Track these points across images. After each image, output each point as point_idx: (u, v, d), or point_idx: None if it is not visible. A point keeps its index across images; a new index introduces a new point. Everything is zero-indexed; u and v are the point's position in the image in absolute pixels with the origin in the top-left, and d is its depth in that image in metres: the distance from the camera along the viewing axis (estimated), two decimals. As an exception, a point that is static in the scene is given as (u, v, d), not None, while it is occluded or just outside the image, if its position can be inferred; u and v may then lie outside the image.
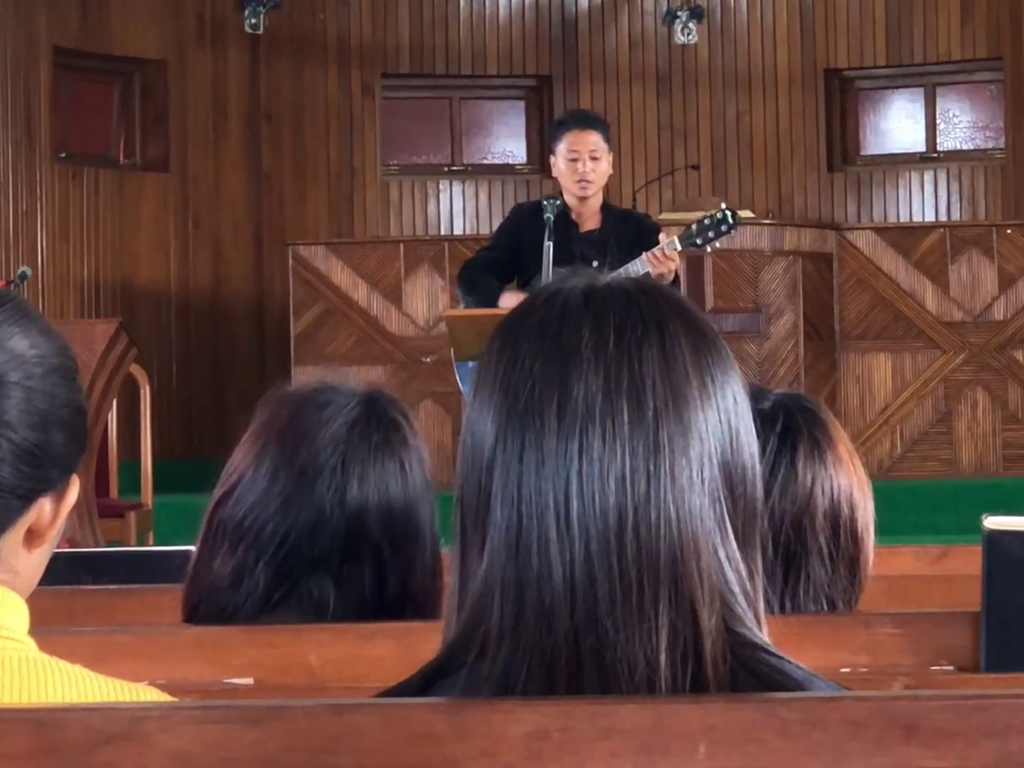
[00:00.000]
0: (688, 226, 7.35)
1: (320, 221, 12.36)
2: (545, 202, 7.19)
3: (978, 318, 10.89)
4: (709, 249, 7.57)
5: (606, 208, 7.44)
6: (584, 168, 7.23)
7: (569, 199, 7.29)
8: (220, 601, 2.28)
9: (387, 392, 2.37)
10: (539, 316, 1.63)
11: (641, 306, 1.62)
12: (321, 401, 2.31)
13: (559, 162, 7.32)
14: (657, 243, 7.15)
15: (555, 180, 7.55)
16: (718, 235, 7.29)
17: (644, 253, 6.99)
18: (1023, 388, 10.85)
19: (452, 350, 7.25)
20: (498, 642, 1.60)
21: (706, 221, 7.32)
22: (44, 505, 1.71)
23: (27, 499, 1.69)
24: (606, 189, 7.82)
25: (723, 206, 7.49)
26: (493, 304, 7.12)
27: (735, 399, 1.63)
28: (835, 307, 10.92)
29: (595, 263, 6.69)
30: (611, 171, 7.45)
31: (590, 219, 7.28)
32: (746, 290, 10.61)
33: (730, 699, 1.54)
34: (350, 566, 2.27)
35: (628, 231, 7.29)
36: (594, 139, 7.31)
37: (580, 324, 1.61)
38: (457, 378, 7.60)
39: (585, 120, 7.59)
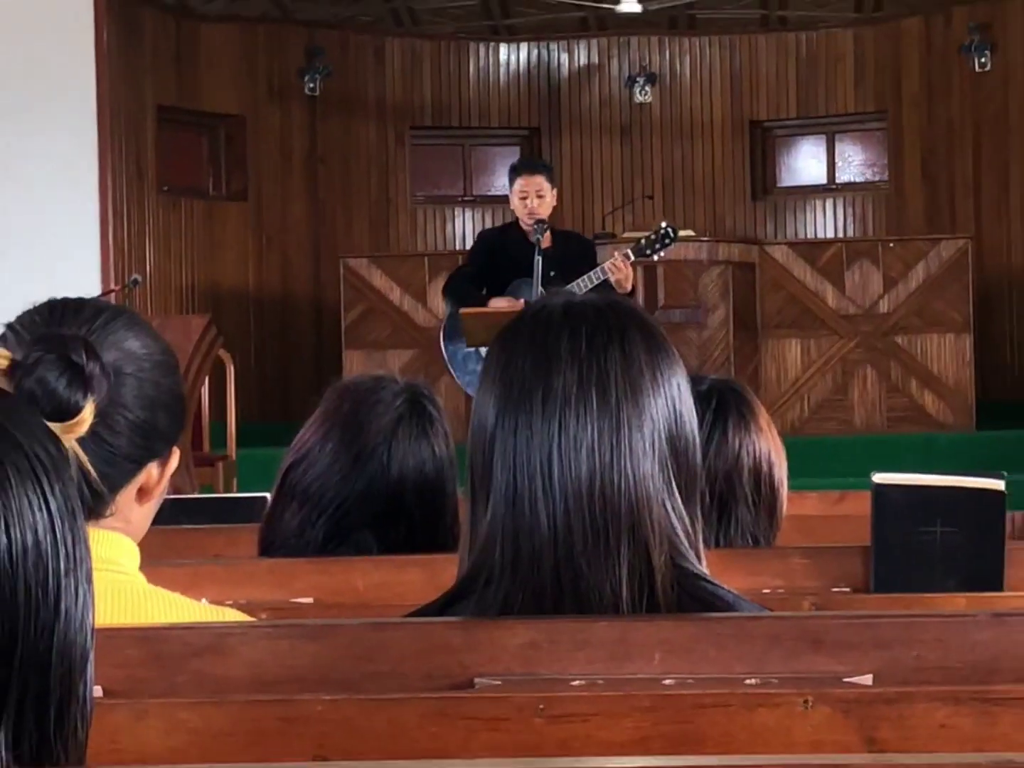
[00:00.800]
0: (638, 240, 7.36)
1: (364, 239, 12.34)
2: (535, 225, 7.13)
3: (867, 312, 10.87)
4: (656, 258, 7.56)
5: (554, 231, 7.38)
6: (532, 205, 7.17)
7: (524, 225, 7.24)
8: (287, 546, 2.29)
9: (425, 387, 2.39)
10: (529, 327, 1.65)
11: (607, 318, 1.63)
12: (374, 398, 2.33)
13: (513, 199, 7.29)
14: (594, 254, 7.31)
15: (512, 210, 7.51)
16: (662, 247, 7.33)
17: (603, 264, 6.99)
18: (902, 365, 10.84)
19: (466, 338, 7.24)
20: (500, 575, 1.61)
21: (652, 236, 7.34)
22: (152, 469, 1.70)
23: (139, 464, 1.68)
24: (558, 215, 7.87)
25: (663, 224, 7.51)
26: (476, 306, 7.19)
27: (679, 388, 1.64)
28: (757, 304, 10.90)
29: (552, 273, 6.98)
30: (555, 203, 7.38)
31: (544, 239, 7.18)
32: (688, 291, 10.59)
33: (677, 618, 1.54)
34: (389, 526, 2.29)
35: (572, 247, 7.28)
36: (539, 180, 7.24)
37: (560, 333, 1.62)
38: (445, 359, 7.62)
39: (532, 166, 7.59)
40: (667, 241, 7.33)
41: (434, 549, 2.27)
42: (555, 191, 7.37)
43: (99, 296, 1.77)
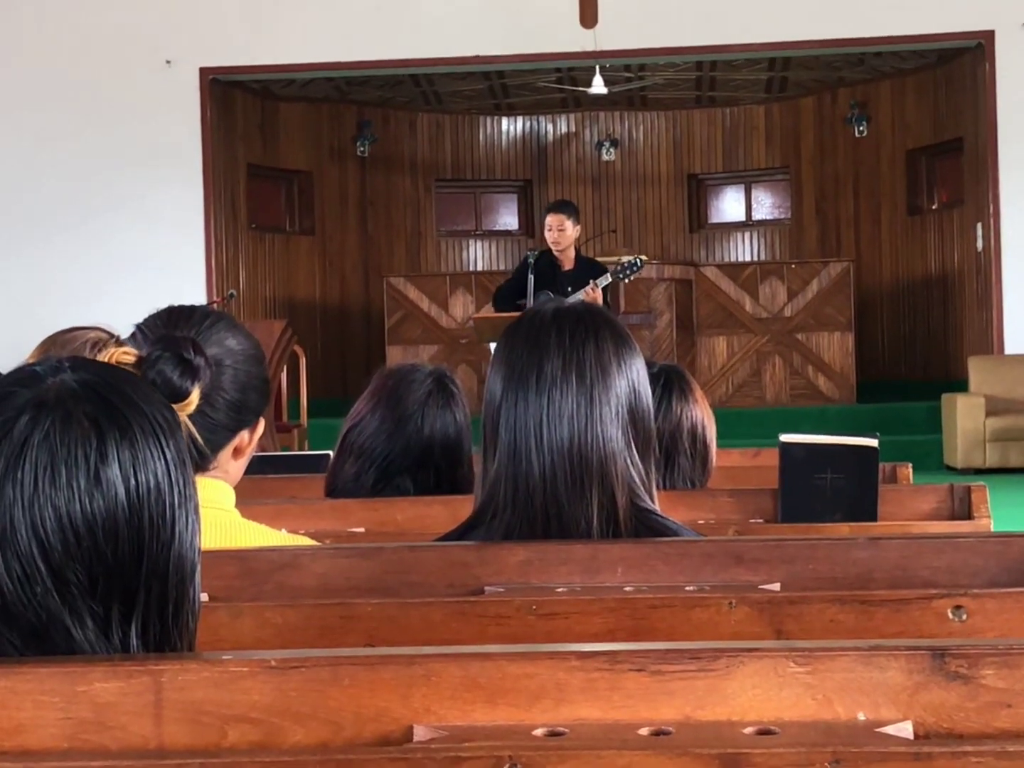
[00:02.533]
0: (615, 268, 7.37)
1: (402, 263, 12.30)
2: (528, 252, 7.31)
3: (776, 316, 10.84)
4: (627, 280, 7.52)
5: (578, 256, 7.37)
6: (555, 236, 7.20)
7: (554, 252, 7.26)
8: (346, 490, 2.28)
9: (448, 371, 2.37)
10: (527, 325, 1.63)
11: (585, 319, 1.62)
12: (410, 379, 2.31)
13: (545, 231, 7.30)
14: (603, 274, 7.32)
15: (543, 239, 7.50)
16: (632, 272, 7.31)
17: (579, 292, 7.01)
18: (801, 355, 10.81)
19: (477, 335, 7.25)
20: (503, 509, 1.60)
21: (624, 263, 7.36)
22: (244, 435, 1.69)
23: (234, 431, 1.68)
24: (579, 244, 7.81)
25: (635, 257, 7.45)
26: (507, 311, 7.22)
27: (638, 372, 1.62)
28: (694, 310, 10.86)
29: (569, 289, 6.98)
30: (577, 234, 7.37)
31: (568, 263, 7.23)
32: (643, 301, 10.55)
33: (635, 542, 1.53)
34: (422, 473, 2.28)
35: (590, 270, 7.25)
36: (560, 218, 7.24)
37: (550, 330, 1.61)
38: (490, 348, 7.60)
39: (556, 206, 7.57)
40: (635, 268, 7.34)
41: (454, 491, 2.27)
42: (577, 227, 7.33)
43: (205, 304, 1.77)
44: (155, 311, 1.69)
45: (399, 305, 10.98)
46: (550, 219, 7.30)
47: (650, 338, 10.47)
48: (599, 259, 8.08)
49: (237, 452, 1.70)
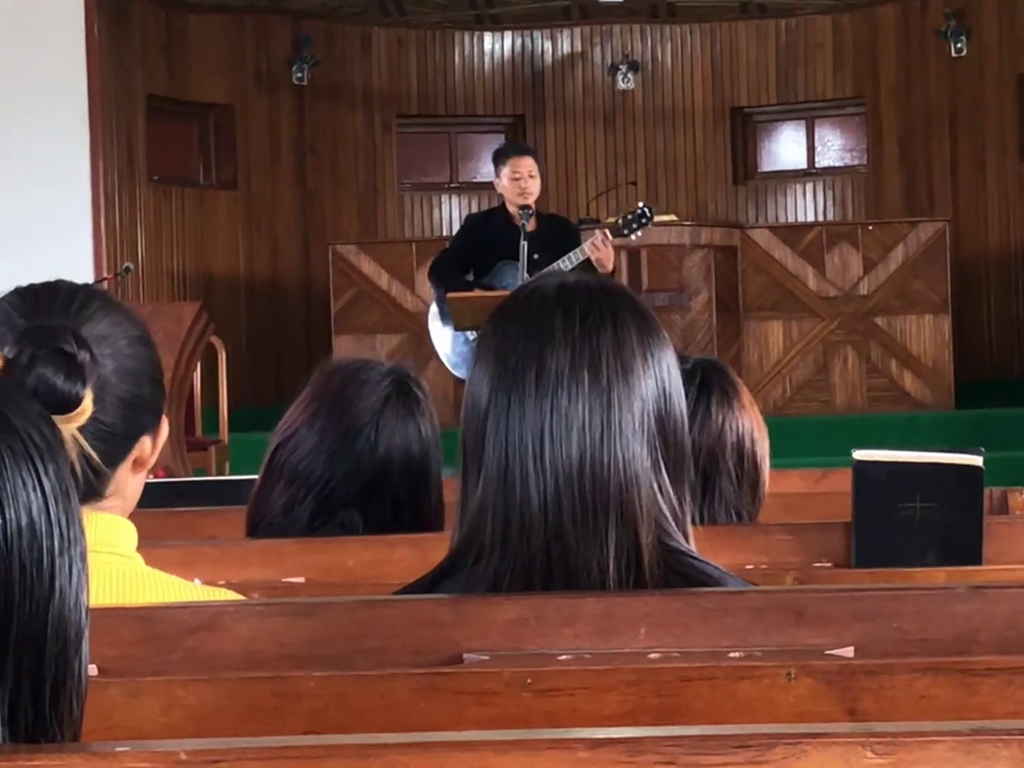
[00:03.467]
0: (616, 221, 7.32)
1: (352, 226, 12.31)
2: (522, 211, 7.08)
3: (847, 294, 10.87)
4: (634, 238, 7.44)
5: (539, 215, 7.35)
6: (525, 185, 7.17)
7: (511, 208, 7.21)
8: (274, 524, 2.28)
9: (411, 370, 2.37)
10: (523, 306, 1.63)
11: (600, 299, 1.62)
12: (362, 379, 2.31)
13: (503, 182, 7.25)
14: (577, 237, 7.17)
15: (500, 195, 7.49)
16: (639, 226, 7.23)
17: (584, 244, 6.96)
18: (881, 346, 10.84)
19: (453, 322, 7.24)
20: (490, 551, 1.60)
21: (629, 216, 7.28)
22: (145, 441, 1.70)
23: (134, 438, 1.69)
24: (543, 200, 7.77)
25: (640, 204, 7.42)
26: (461, 290, 7.16)
27: (668, 369, 1.62)
28: (739, 287, 10.89)
29: (536, 255, 6.92)
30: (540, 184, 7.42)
31: (529, 223, 7.13)
32: (672, 275, 10.57)
33: (663, 593, 1.54)
34: (375, 505, 2.27)
35: (556, 230, 7.25)
36: (530, 162, 7.29)
37: (553, 312, 1.61)
38: (432, 341, 7.60)
39: (523, 149, 7.68)
40: (644, 220, 7.29)
41: (419, 527, 2.27)
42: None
43: (67, 281, 1.74)
44: (1, 296, 1.69)
45: (349, 282, 10.99)
46: (520, 164, 7.26)
47: (681, 325, 10.51)
48: (613, 220, 8.07)
49: (138, 465, 1.71)
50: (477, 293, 7.12)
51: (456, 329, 7.28)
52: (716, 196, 12.70)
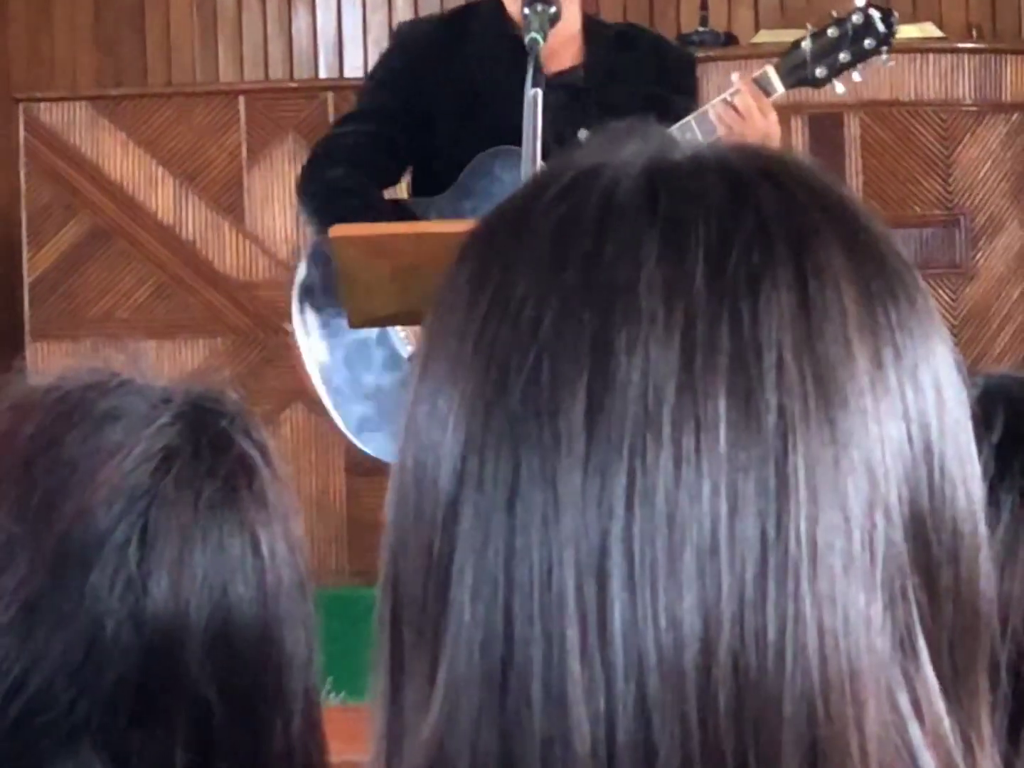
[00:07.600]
0: (793, 45, 3.40)
1: (80, 57, 5.77)
2: (530, 10, 3.12)
3: None
4: (841, 89, 3.42)
5: (592, 28, 3.43)
6: None
7: (511, 7, 3.31)
8: None
9: (227, 397, 1.22)
10: (551, 222, 0.70)
11: (762, 205, 0.69)
12: (99, 414, 1.16)
13: None
14: (690, 84, 3.46)
15: None
16: (857, 58, 3.35)
17: (710, 105, 3.25)
18: None
19: (350, 305, 3.14)
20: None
21: (830, 33, 3.35)
22: None
23: None
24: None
25: (860, 3, 3.40)
26: (378, 216, 3.30)
27: (938, 391, 0.71)
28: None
29: (571, 127, 3.10)
30: None
31: (565, 49, 3.30)
32: (931, 182, 4.85)
33: None
34: (143, 733, 1.08)
35: (638, 66, 3.35)
36: None
37: (638, 239, 0.68)
38: (303, 357, 3.53)
39: None
40: (869, 44, 3.35)
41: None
42: None
43: None
44: None
45: (72, 197, 5.24)
46: None
47: (955, 300, 5.04)
48: (766, 39, 3.79)
49: None
50: (396, 227, 3.19)
51: (360, 325, 3.29)
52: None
